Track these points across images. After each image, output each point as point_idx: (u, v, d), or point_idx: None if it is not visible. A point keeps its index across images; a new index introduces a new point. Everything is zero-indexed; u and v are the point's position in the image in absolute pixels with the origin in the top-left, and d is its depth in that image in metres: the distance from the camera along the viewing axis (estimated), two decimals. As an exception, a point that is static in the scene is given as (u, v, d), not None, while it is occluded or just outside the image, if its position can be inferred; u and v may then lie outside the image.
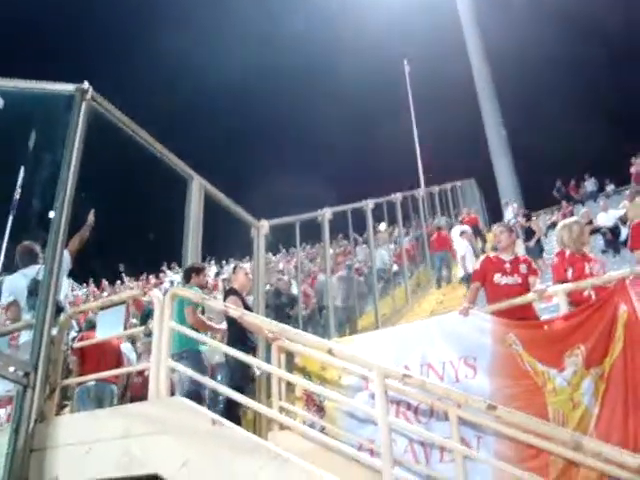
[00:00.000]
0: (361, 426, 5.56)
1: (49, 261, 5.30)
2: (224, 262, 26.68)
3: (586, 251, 6.40)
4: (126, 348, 9.33)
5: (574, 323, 5.20)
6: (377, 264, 14.96)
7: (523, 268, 6.14)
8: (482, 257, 6.74)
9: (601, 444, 3.99)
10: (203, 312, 6.71)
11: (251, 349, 6.46)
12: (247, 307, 6.69)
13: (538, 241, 15.48)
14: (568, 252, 6.22)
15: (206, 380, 5.29)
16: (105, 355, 7.38)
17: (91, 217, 6.49)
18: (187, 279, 6.96)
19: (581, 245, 6.32)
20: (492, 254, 6.57)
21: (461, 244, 15.56)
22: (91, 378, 6.68)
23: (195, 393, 5.76)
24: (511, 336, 5.34)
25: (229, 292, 6.82)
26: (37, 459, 4.72)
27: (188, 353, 6.32)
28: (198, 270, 7.04)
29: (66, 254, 6.12)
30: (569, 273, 6.05)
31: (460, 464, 4.44)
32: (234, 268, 7.27)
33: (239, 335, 6.36)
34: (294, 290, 12.48)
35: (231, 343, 5.88)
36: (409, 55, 37.12)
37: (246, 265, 7.63)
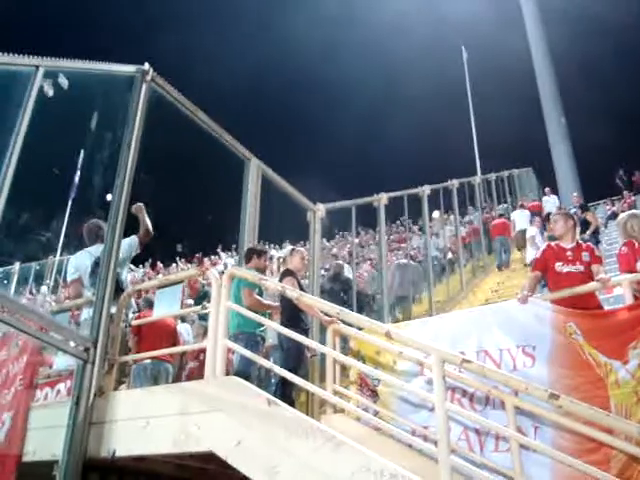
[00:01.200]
0: (415, 412, 5.52)
1: (109, 240, 5.39)
2: (277, 246, 26.88)
3: None
4: (184, 329, 9.48)
5: (639, 314, 5.03)
6: (432, 251, 14.86)
7: (585, 256, 5.95)
8: (544, 246, 6.56)
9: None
10: (261, 294, 6.73)
11: (304, 331, 6.47)
12: (302, 289, 6.70)
13: (594, 233, 15.11)
14: (637, 244, 6.01)
15: (261, 360, 5.30)
16: (162, 334, 7.50)
17: (136, 208, 6.46)
18: (248, 260, 7.01)
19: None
20: (554, 243, 6.41)
21: (529, 227, 15.76)
22: (148, 356, 6.79)
23: (244, 373, 5.78)
24: (571, 325, 5.21)
25: (285, 273, 6.83)
26: (96, 432, 4.83)
27: (243, 335, 6.37)
28: (260, 253, 7.11)
29: (135, 239, 6.24)
30: (638, 265, 5.84)
31: (516, 453, 4.36)
32: (291, 250, 7.24)
33: (294, 317, 6.38)
34: (347, 274, 12.45)
35: (285, 324, 5.89)
36: (468, 42, 36.60)
37: (301, 249, 7.59)
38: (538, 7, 34.60)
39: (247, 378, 5.31)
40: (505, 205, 21.60)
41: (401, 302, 13.37)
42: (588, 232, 14.80)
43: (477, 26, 40.85)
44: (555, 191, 24.05)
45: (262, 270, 7.10)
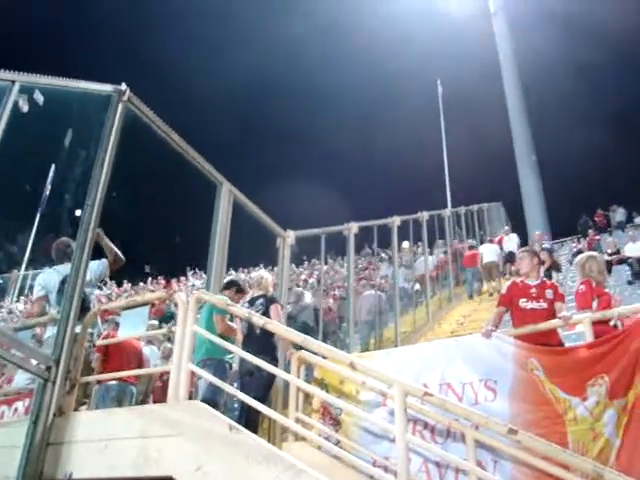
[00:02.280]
0: (377, 442, 5.52)
1: (77, 259, 5.35)
2: (246, 270, 26.82)
3: (606, 287, 6.39)
4: (152, 351, 9.40)
5: (598, 352, 5.13)
6: (400, 282, 14.97)
7: (549, 293, 6.08)
8: (509, 282, 6.68)
9: (623, 477, 3.92)
10: (231, 321, 6.75)
11: (276, 359, 6.50)
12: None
13: (547, 270, 15.35)
14: (594, 284, 6.16)
15: (227, 387, 5.28)
16: (129, 356, 7.44)
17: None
18: (225, 289, 7.13)
19: (603, 279, 6.31)
20: (519, 279, 6.52)
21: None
22: (111, 377, 6.72)
23: (212, 401, 5.75)
24: (533, 361, 5.30)
25: (272, 300, 6.87)
26: (53, 453, 4.74)
27: (212, 360, 6.38)
28: (240, 289, 7.24)
29: (105, 263, 6.20)
30: (594, 304, 5.98)
31: (476, 487, 4.39)
32: (261, 277, 7.27)
33: (266, 344, 6.40)
34: (307, 301, 12.48)
35: (259, 353, 5.86)
36: (443, 76, 37.24)
37: (267, 274, 7.61)
38: (513, 47, 35.30)
39: (215, 405, 5.29)
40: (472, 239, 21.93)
41: (372, 327, 13.43)
42: (541, 270, 15.00)
43: (453, 61, 41.65)
44: (516, 229, 24.47)
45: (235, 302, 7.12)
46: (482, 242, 20.80)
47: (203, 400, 5.71)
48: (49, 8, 44.45)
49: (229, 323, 6.62)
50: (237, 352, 5.85)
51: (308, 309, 11.72)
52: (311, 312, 11.59)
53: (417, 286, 16.55)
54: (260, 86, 49.25)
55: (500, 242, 19.35)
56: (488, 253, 18.18)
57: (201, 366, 5.75)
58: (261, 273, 7.61)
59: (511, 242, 19.24)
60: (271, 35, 49.36)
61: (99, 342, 6.66)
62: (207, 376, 5.29)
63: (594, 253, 6.69)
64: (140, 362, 7.88)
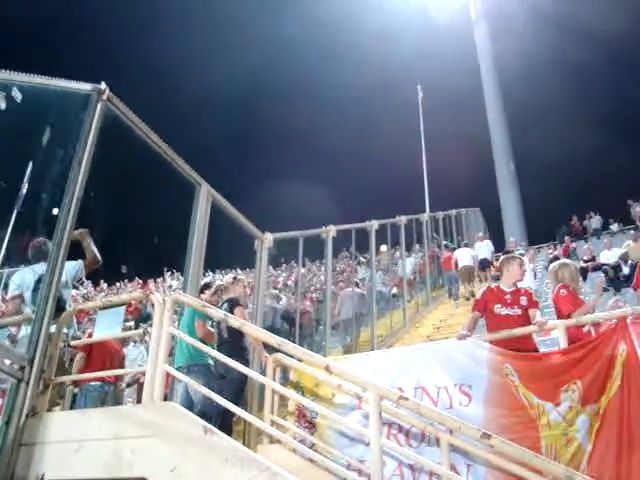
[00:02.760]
0: (351, 445, 5.54)
1: (53, 258, 5.30)
2: (223, 272, 26.76)
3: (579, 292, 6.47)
4: (141, 353, 9.37)
5: (572, 358, 5.19)
6: (377, 285, 15.04)
7: (524, 300, 6.13)
8: (483, 287, 6.73)
9: (593, 481, 3.97)
10: (212, 326, 6.76)
11: (247, 361, 6.49)
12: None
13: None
14: (571, 288, 6.24)
15: (204, 390, 5.25)
16: (111, 356, 7.41)
17: (79, 234, 6.32)
18: (201, 291, 7.15)
19: (577, 285, 6.38)
20: (493, 284, 6.59)
21: None
22: (85, 377, 6.68)
23: (208, 412, 5.79)
24: (508, 367, 5.34)
25: (235, 302, 6.85)
26: (25, 454, 4.68)
27: (198, 366, 6.38)
28: (216, 290, 7.30)
29: (81, 264, 6.15)
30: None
31: (449, 491, 4.42)
32: (234, 279, 7.27)
33: (237, 347, 6.39)
34: (283, 303, 12.49)
35: (231, 354, 5.85)
36: (423, 82, 37.44)
37: (243, 277, 7.63)
38: (493, 55, 35.61)
39: (209, 418, 5.30)
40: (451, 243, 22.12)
41: (348, 326, 13.46)
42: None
43: (434, 67, 41.87)
44: (494, 235, 24.78)
45: (213, 304, 7.11)
46: (459, 246, 20.96)
47: (200, 412, 5.66)
48: (40, 8, 44.13)
49: (210, 329, 6.63)
50: (215, 355, 5.83)
51: (278, 312, 11.74)
52: (285, 316, 11.61)
53: (395, 290, 16.63)
54: (242, 89, 49.14)
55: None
56: (463, 257, 18.44)
57: (185, 372, 5.76)
58: (230, 277, 7.60)
59: (484, 249, 19.38)
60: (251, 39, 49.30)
61: (82, 341, 6.63)
62: (194, 383, 5.23)
63: (567, 261, 6.79)
64: (121, 363, 7.84)
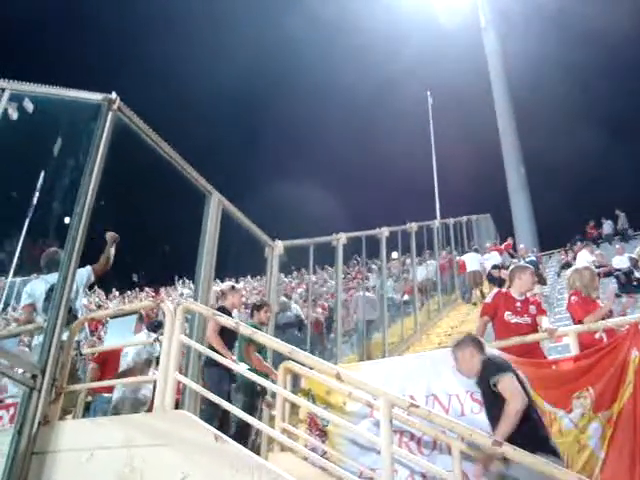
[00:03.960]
0: (363, 453, 5.52)
1: (64, 267, 5.33)
2: (234, 279, 26.83)
3: (596, 297, 6.38)
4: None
5: (584, 365, 5.16)
6: (389, 292, 15.04)
7: (532, 309, 6.13)
8: (494, 292, 6.70)
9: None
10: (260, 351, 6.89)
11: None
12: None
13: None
14: (583, 294, 6.21)
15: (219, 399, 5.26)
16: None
17: (112, 236, 6.44)
18: (251, 315, 7.29)
19: (593, 290, 6.32)
20: (504, 289, 6.55)
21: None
22: (94, 385, 6.68)
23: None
24: (519, 374, 5.31)
25: (221, 310, 6.78)
26: (38, 462, 4.70)
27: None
28: (259, 307, 7.27)
29: (90, 269, 6.18)
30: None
31: (460, 499, 4.40)
32: (232, 287, 7.26)
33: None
34: (293, 311, 12.47)
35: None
36: (432, 88, 37.45)
37: (241, 287, 7.65)
38: (502, 61, 35.54)
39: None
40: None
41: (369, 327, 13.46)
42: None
43: (444, 72, 41.90)
44: (505, 241, 24.72)
45: (263, 323, 7.27)
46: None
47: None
48: (40, 8, 44.49)
49: (256, 355, 6.72)
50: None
51: (294, 320, 11.73)
52: (296, 323, 11.60)
53: (406, 297, 16.59)
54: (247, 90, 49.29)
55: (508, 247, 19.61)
56: (471, 262, 18.73)
57: None
58: (228, 285, 7.56)
59: (491, 260, 19.25)
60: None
61: (94, 349, 6.63)
62: (197, 387, 5.26)
63: (580, 266, 6.73)
64: None
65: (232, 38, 48.78)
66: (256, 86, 48.85)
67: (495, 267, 17.70)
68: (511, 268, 6.80)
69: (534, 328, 5.94)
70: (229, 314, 6.76)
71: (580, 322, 5.84)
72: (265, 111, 50.57)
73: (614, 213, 26.97)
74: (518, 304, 6.17)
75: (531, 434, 4.21)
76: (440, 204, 32.52)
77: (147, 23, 47.48)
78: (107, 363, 7.19)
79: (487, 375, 4.44)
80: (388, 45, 46.89)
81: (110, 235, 6.24)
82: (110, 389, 7.02)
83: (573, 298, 6.22)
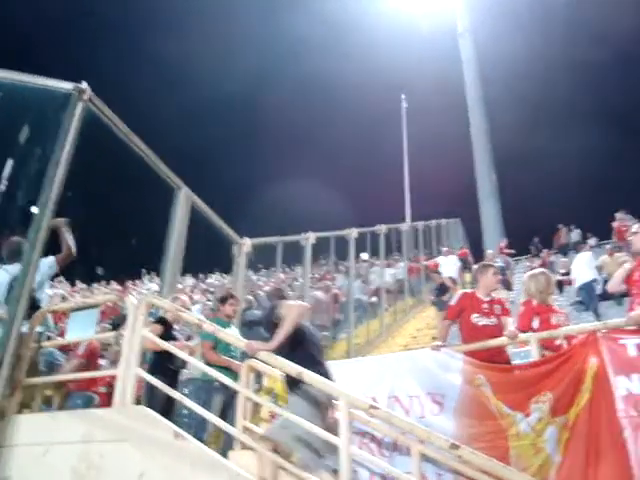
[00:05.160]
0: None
1: (27, 257, 5.25)
2: (202, 275, 26.72)
3: (551, 302, 6.43)
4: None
5: (543, 370, 5.22)
6: (356, 293, 15.05)
7: (497, 309, 6.09)
8: (459, 293, 6.68)
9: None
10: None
11: (174, 372, 6.49)
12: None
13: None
14: (535, 302, 6.25)
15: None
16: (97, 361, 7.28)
17: (61, 222, 6.28)
18: (217, 309, 7.25)
19: (547, 296, 6.33)
20: (469, 290, 6.55)
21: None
22: (50, 379, 6.53)
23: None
24: (480, 377, 5.36)
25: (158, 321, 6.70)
26: (-8, 456, 4.65)
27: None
28: (224, 299, 7.07)
29: (53, 260, 6.05)
30: (535, 323, 6.06)
31: (419, 500, 4.43)
32: (174, 298, 7.01)
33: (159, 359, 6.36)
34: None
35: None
36: (408, 91, 37.61)
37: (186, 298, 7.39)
38: (478, 69, 35.77)
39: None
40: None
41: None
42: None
43: (419, 78, 42.10)
44: (474, 246, 24.95)
45: (229, 316, 7.06)
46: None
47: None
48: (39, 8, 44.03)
49: (211, 352, 6.52)
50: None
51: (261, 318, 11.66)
52: (263, 321, 11.53)
53: (374, 298, 16.63)
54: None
55: (462, 255, 19.36)
56: (446, 265, 18.34)
57: None
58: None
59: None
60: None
61: (57, 342, 6.51)
62: (157, 382, 5.19)
63: (536, 271, 6.71)
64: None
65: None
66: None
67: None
68: (474, 268, 6.76)
69: (500, 329, 5.94)
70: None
71: (523, 331, 5.86)
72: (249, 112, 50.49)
73: (574, 226, 27.38)
74: (485, 305, 6.11)
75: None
76: (411, 208, 32.71)
77: (147, 22, 47.13)
78: (93, 358, 7.07)
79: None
80: (363, 49, 46.94)
81: (59, 221, 6.06)
82: (93, 386, 6.91)
83: (521, 309, 6.29)
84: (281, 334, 4.82)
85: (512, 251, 24.08)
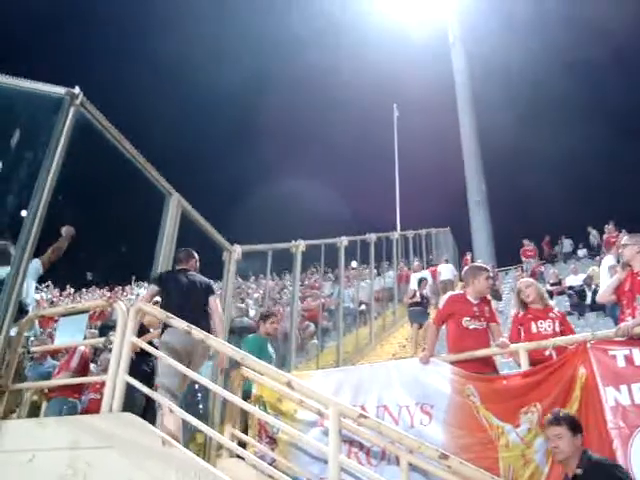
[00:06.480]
0: (312, 462, 5.52)
1: (17, 261, 5.22)
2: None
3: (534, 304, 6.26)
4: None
5: (533, 381, 5.23)
6: (346, 301, 15.06)
7: (486, 311, 6.05)
8: (447, 295, 6.58)
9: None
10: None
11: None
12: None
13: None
14: (521, 313, 6.25)
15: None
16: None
17: (68, 230, 6.34)
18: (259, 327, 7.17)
19: (538, 305, 6.26)
20: (458, 293, 6.47)
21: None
22: (37, 385, 6.49)
23: None
24: (470, 387, 5.37)
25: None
26: (-23, 463, 4.60)
27: None
28: (266, 317, 7.15)
29: (38, 262, 6.02)
30: (522, 333, 6.09)
31: (407, 510, 4.41)
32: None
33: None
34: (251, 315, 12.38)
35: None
36: (400, 101, 37.71)
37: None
38: (469, 79, 35.95)
39: None
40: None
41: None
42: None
43: (411, 88, 42.22)
44: (463, 255, 25.08)
45: (269, 334, 7.16)
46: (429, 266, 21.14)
47: None
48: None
49: None
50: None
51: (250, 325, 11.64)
52: (252, 329, 11.50)
53: (363, 306, 16.62)
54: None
55: (434, 273, 19.34)
56: (445, 271, 19.42)
57: None
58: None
59: (447, 272, 19.54)
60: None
61: (43, 348, 6.47)
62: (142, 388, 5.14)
63: (520, 283, 6.65)
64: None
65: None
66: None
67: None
68: (466, 270, 6.62)
69: (488, 332, 5.92)
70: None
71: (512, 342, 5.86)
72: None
73: (564, 237, 27.57)
74: (475, 308, 6.01)
75: None
76: (401, 216, 32.76)
77: (146, 22, 47.16)
78: (86, 367, 7.01)
79: None
80: (356, 60, 47.17)
81: (66, 229, 6.11)
82: (77, 392, 6.85)
83: (509, 320, 6.31)
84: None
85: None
